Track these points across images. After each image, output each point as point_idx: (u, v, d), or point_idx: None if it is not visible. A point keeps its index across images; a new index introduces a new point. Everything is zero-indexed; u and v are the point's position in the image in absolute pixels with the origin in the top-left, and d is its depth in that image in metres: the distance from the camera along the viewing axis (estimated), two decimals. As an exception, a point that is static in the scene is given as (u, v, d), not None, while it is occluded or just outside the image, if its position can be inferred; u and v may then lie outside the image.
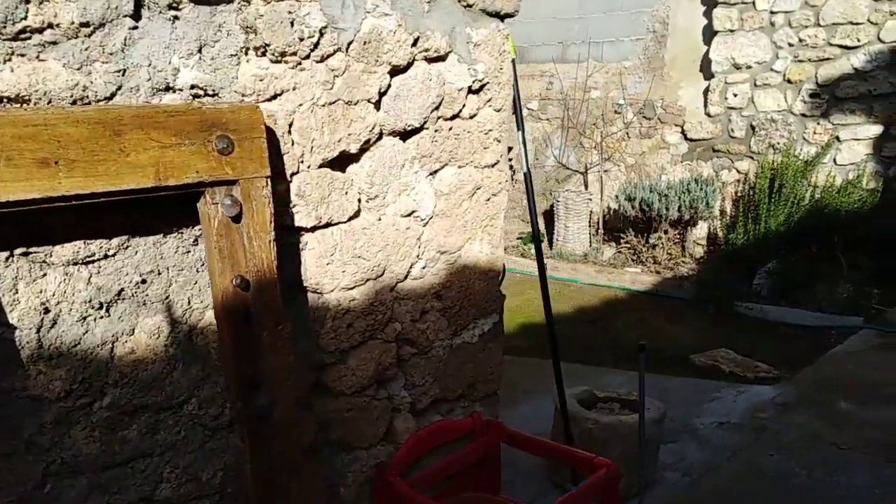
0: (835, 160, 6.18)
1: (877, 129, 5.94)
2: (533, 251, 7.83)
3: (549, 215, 7.92)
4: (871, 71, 5.90)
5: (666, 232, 6.83)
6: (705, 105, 6.94)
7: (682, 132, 7.13)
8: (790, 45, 6.31)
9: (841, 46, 6.03)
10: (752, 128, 6.62)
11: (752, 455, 3.18)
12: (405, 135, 2.18)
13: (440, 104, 2.23)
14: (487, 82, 2.35)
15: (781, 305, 5.62)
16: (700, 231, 6.91)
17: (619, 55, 7.76)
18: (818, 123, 6.23)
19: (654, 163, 7.39)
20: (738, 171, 6.75)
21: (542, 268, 3.00)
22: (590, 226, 7.44)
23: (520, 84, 8.46)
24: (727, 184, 6.76)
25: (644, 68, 7.49)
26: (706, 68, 6.93)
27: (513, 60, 2.61)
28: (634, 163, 7.53)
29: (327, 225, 2.02)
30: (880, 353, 4.58)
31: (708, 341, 5.16)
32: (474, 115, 2.35)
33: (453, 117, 2.28)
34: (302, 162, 1.92)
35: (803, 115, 6.31)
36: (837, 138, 6.14)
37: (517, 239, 8.19)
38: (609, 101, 7.65)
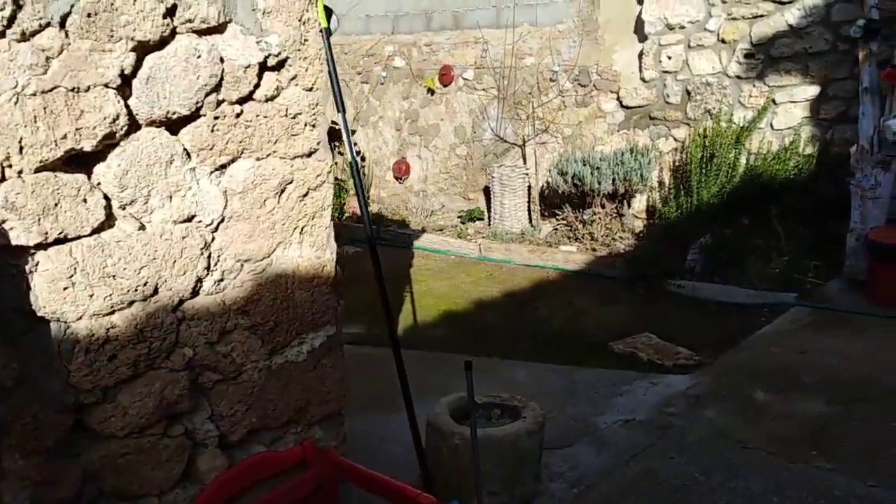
0: (771, 125, 5.87)
1: (813, 91, 5.63)
2: (470, 230, 7.46)
3: (488, 192, 7.57)
4: (806, 27, 5.57)
5: (602, 206, 6.51)
6: (640, 70, 6.59)
7: (618, 99, 6.78)
8: (723, 1, 5.95)
9: (775, 1, 5.68)
10: (688, 93, 6.28)
11: (651, 458, 2.90)
12: (172, 125, 1.81)
13: (219, 85, 1.86)
14: (287, 57, 1.98)
15: (714, 282, 5.34)
16: (638, 204, 6.61)
17: (554, 18, 7.35)
18: (754, 86, 5.91)
19: (591, 133, 7.04)
20: (675, 140, 6.43)
21: (377, 266, 2.64)
22: (528, 202, 7.10)
23: (455, 52, 8.02)
24: (664, 153, 6.44)
25: (578, 31, 7.10)
26: (640, 30, 6.57)
27: (324, 30, 2.24)
28: (571, 133, 7.18)
29: (61, 241, 1.65)
30: (809, 332, 4.32)
31: (635, 324, 4.88)
32: (274, 97, 1.99)
33: (242, 100, 1.92)
34: (8, 167, 1.54)
35: (738, 77, 5.98)
36: (774, 101, 5.83)
37: (457, 218, 7.85)
38: (544, 68, 7.26)
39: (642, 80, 6.58)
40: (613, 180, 6.23)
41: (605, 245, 6.43)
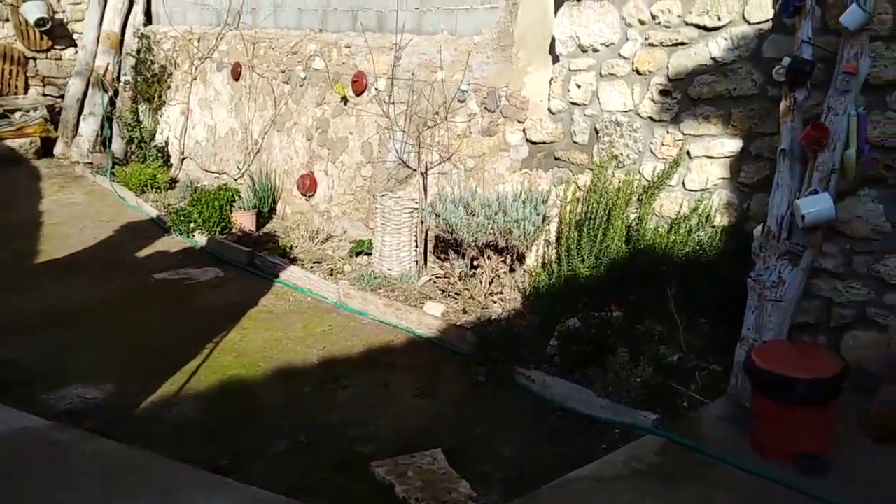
0: (683, 183, 4.61)
1: (734, 145, 4.35)
2: (349, 267, 6.25)
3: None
4: (732, 63, 4.30)
5: (489, 258, 5.34)
6: (549, 98, 5.39)
7: (524, 131, 5.59)
8: (641, 21, 4.71)
9: (698, 27, 4.42)
10: (596, 132, 5.06)
11: None
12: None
13: None
14: None
15: (574, 379, 4.13)
16: (533, 260, 5.41)
17: (474, 27, 6.21)
18: (667, 132, 4.66)
19: (493, 168, 5.87)
20: (579, 187, 5.21)
21: None
22: (415, 241, 5.98)
23: (372, 57, 6.93)
24: (568, 201, 5.23)
25: (494, 45, 5.94)
26: (554, 49, 5.37)
27: None
28: (475, 166, 6.02)
29: None
30: (648, 482, 3.10)
31: (439, 430, 3.74)
32: None
33: None
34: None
35: (651, 118, 4.74)
36: (688, 154, 4.57)
37: (349, 249, 6.76)
38: (454, 85, 6.12)
39: (549, 111, 5.38)
40: (492, 229, 5.05)
41: (481, 307, 5.26)
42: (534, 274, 4.90)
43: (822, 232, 3.56)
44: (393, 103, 6.71)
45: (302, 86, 7.72)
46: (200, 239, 7.13)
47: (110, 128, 10.17)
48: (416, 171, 6.47)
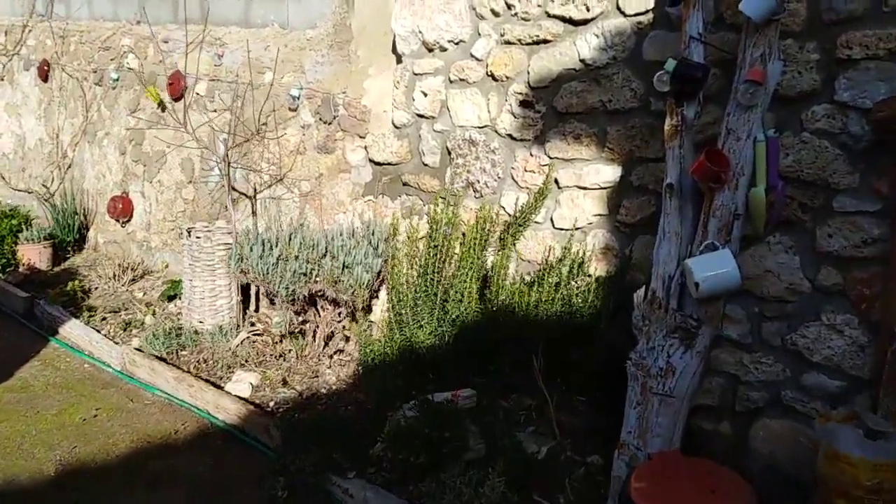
0: (552, 220, 3.60)
1: (611, 173, 3.37)
2: (149, 320, 4.45)
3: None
4: (605, 67, 3.31)
5: (323, 309, 4.17)
6: (393, 108, 4.28)
7: (366, 149, 4.46)
8: (495, 13, 3.68)
9: (564, 19, 3.42)
10: (449, 152, 3.99)
11: None
12: None
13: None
14: None
15: (408, 494, 3.02)
16: (379, 313, 4.27)
17: (307, 19, 5.03)
18: (531, 153, 3.64)
19: (333, 193, 4.70)
20: (434, 221, 4.13)
21: None
22: (235, 287, 4.71)
23: (193, 54, 5.51)
24: (419, 238, 4.12)
25: (330, 42, 4.78)
26: (396, 47, 4.27)
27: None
28: (311, 190, 4.84)
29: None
30: None
31: None
32: None
33: None
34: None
35: (512, 137, 3.70)
36: (557, 183, 3.56)
37: (162, 292, 5.42)
38: (283, 89, 4.91)
39: (393, 124, 4.26)
40: (319, 278, 3.88)
41: (311, 375, 4.08)
42: (363, 341, 3.74)
43: (723, 302, 2.60)
44: (215, 111, 5.42)
45: (114, 88, 6.30)
46: (-23, 279, 5.60)
47: None
48: (244, 195, 5.23)
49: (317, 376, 4.08)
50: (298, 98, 4.80)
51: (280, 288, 3.78)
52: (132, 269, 5.75)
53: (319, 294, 4.03)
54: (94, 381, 4.22)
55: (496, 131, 3.74)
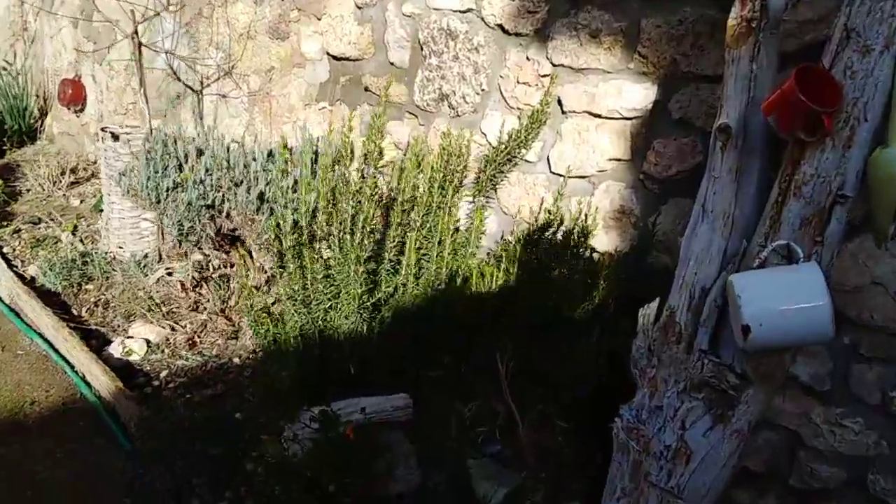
0: (549, 161, 2.43)
1: (640, 95, 2.14)
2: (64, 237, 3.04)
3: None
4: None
5: (221, 249, 3.19)
6: (355, -21, 3.06)
7: (322, 36, 3.29)
8: None
9: None
10: (421, 47, 2.80)
11: None
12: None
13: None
14: None
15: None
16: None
17: None
18: (527, 57, 2.42)
19: (284, 94, 3.59)
20: (396, 144, 3.01)
21: None
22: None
23: None
24: (384, 164, 3.02)
25: None
26: None
27: None
28: (259, 88, 3.73)
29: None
30: None
31: None
32: None
33: None
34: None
35: (503, 28, 2.48)
36: (560, 104, 2.36)
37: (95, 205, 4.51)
38: (234, -50, 3.73)
39: (355, 3, 3.06)
40: (223, 211, 2.85)
41: (228, 336, 3.15)
42: (252, 320, 2.69)
43: (791, 355, 1.46)
44: (165, -24, 4.28)
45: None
46: None
47: None
48: (190, 88, 4.17)
49: (236, 338, 3.14)
50: (251, -38, 3.62)
51: (172, 222, 2.76)
52: (78, 170, 4.85)
53: (236, 234, 3.02)
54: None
55: (482, 19, 2.52)
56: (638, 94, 2.12)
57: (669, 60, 2.04)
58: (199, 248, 3.04)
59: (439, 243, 2.36)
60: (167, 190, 2.81)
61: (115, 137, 3.57)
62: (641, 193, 2.19)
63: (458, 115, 2.67)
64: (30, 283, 3.49)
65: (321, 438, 2.15)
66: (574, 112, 2.30)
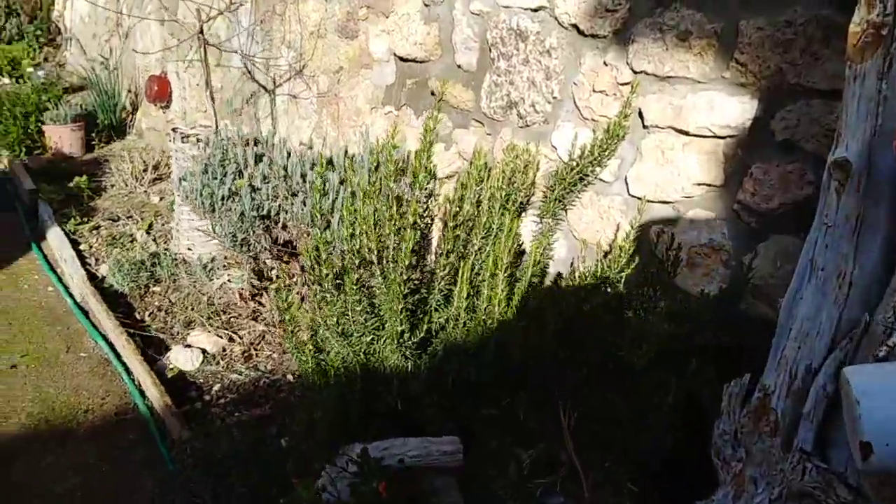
0: (626, 181, 2.12)
1: (737, 110, 1.80)
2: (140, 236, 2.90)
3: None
4: None
5: (280, 259, 3.05)
6: (425, -26, 2.83)
7: (390, 35, 3.09)
8: None
9: None
10: (490, 48, 2.54)
11: None
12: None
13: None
14: None
15: None
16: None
17: None
18: (605, 62, 2.11)
19: (352, 96, 3.42)
20: (462, 154, 2.78)
21: None
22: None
23: None
24: (444, 178, 2.81)
25: None
26: None
27: None
28: (328, 89, 3.58)
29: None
30: None
31: None
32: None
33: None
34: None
35: (578, 29, 2.18)
36: (641, 116, 2.04)
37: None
38: (306, -55, 3.58)
39: (423, 2, 2.83)
40: (278, 222, 2.72)
41: (273, 347, 3.03)
42: (291, 345, 2.52)
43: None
44: (243, -30, 4.22)
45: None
46: (5, 160, 5.04)
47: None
48: (263, 87, 4.09)
49: (285, 356, 3.01)
50: (322, -43, 3.46)
51: (225, 232, 2.65)
52: (161, 167, 4.91)
53: (292, 247, 2.88)
54: (47, 313, 3.44)
55: (556, 18, 2.23)
56: (734, 109, 1.79)
57: (774, 70, 1.69)
58: (256, 258, 2.93)
59: (497, 270, 2.11)
60: (222, 199, 2.69)
61: (185, 138, 3.52)
62: (735, 227, 1.85)
63: (526, 126, 2.40)
64: (100, 282, 3.51)
65: (357, 487, 1.96)
66: (657, 127, 1.98)
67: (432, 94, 2.89)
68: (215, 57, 4.61)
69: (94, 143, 5.36)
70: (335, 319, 2.03)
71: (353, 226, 1.98)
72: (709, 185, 1.90)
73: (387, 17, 3.08)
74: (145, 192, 4.69)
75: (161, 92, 5.18)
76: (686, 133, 1.91)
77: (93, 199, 4.51)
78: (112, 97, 5.57)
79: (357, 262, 2.04)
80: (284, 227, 2.72)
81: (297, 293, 2.91)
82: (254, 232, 2.71)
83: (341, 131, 3.47)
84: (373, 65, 3.23)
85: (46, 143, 5.10)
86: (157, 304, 3.38)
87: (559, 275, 2.21)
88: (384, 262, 2.01)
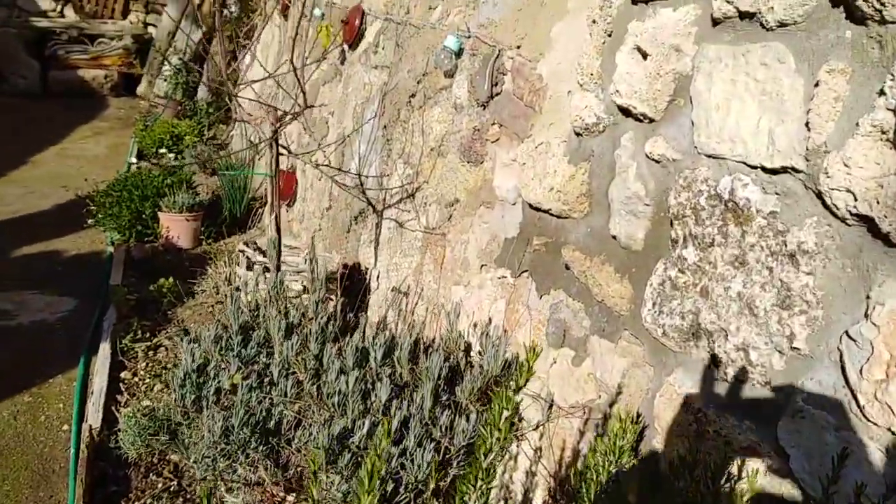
0: None
1: None
2: None
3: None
4: None
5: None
6: (579, 86, 1.79)
7: (521, 168, 2.06)
8: None
9: None
10: (672, 221, 1.41)
11: None
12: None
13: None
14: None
15: None
16: None
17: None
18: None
19: (462, 240, 2.40)
20: (598, 379, 1.61)
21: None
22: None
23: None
24: (563, 411, 1.67)
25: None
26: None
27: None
28: (437, 225, 2.61)
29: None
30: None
31: None
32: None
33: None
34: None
35: (878, 230, 0.99)
36: None
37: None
38: (439, 38, 2.72)
39: (576, 125, 1.78)
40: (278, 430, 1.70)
41: None
42: None
43: None
44: (376, 67, 3.48)
45: (310, 20, 4.76)
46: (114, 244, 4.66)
47: (187, 71, 8.18)
48: (372, 206, 3.23)
49: None
50: (458, 54, 2.56)
51: (206, 444, 1.67)
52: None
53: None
54: (38, 469, 2.67)
55: (820, 195, 1.06)
56: None
57: None
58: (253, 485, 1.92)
59: None
60: (208, 397, 1.75)
61: (250, 266, 2.70)
62: None
63: (724, 379, 1.22)
64: (99, 442, 2.70)
65: None
66: None
67: (566, 267, 1.79)
68: (337, 157, 3.89)
69: (204, 235, 4.82)
70: None
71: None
72: None
73: (522, 143, 2.07)
74: (234, 304, 3.97)
75: (286, 189, 4.57)
76: None
77: (174, 305, 3.86)
78: (242, 187, 5.08)
79: None
80: (300, 449, 1.70)
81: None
82: (245, 452, 1.72)
83: (442, 283, 2.46)
84: (494, 204, 2.21)
85: (160, 230, 4.64)
86: (162, 485, 2.49)
87: None
88: None
